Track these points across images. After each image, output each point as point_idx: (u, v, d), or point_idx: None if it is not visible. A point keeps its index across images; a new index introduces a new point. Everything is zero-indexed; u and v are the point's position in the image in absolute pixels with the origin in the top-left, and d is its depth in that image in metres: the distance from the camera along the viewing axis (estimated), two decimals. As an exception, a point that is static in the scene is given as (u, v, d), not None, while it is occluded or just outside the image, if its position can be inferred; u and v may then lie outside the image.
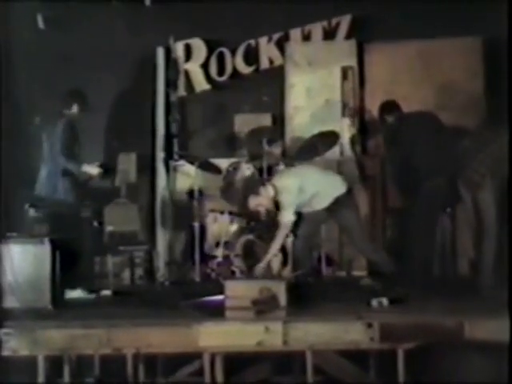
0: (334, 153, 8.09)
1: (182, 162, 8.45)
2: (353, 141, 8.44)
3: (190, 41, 8.87)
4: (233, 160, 8.13)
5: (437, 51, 8.22)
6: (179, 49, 8.86)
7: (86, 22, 8.52)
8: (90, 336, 4.82)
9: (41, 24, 8.56)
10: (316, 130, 7.94)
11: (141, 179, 8.42)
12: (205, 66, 8.90)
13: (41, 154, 7.08)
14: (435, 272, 6.93)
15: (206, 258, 7.70)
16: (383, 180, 8.18)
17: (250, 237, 7.44)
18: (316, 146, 7.73)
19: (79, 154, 7.03)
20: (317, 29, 8.77)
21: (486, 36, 8.15)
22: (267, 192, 6.55)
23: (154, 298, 6.64)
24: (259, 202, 6.61)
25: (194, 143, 8.84)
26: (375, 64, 8.53)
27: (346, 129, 8.40)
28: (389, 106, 7.32)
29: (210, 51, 8.87)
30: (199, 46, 8.89)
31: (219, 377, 4.93)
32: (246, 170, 7.79)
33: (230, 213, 7.72)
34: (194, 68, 8.93)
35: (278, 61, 8.82)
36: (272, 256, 6.59)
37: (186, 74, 8.93)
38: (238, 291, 5.24)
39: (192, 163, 8.04)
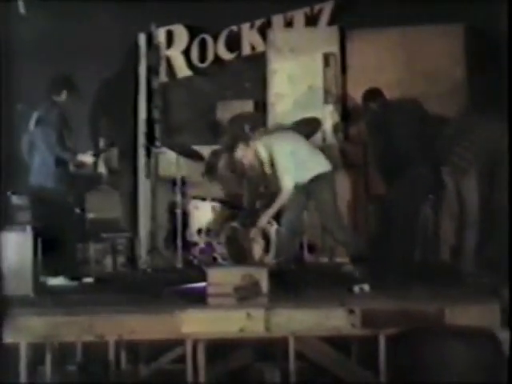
0: (316, 139, 8.07)
1: (163, 148, 8.42)
2: (335, 128, 8.44)
3: (171, 27, 8.84)
4: (214, 147, 8.13)
5: (419, 38, 8.22)
6: (161, 35, 8.82)
7: (67, 8, 8.44)
8: (73, 323, 4.82)
9: (22, 9, 8.48)
10: (298, 117, 7.92)
11: (122, 166, 8.40)
12: (186, 52, 8.88)
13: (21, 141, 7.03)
14: (417, 258, 6.96)
15: (188, 245, 7.70)
16: (366, 167, 8.19)
17: (233, 224, 7.44)
18: (298, 133, 7.73)
19: (73, 143, 6.99)
20: (299, 15, 8.75)
21: (469, 23, 8.16)
22: (256, 146, 6.56)
23: (137, 285, 6.65)
24: (246, 153, 6.60)
25: (176, 130, 8.82)
26: (357, 51, 8.51)
27: (328, 115, 8.40)
28: (372, 94, 7.31)
29: (192, 37, 8.85)
30: (181, 32, 8.86)
31: (201, 363, 4.93)
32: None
33: (213, 200, 7.72)
34: (175, 54, 8.90)
35: (260, 47, 8.81)
36: (268, 218, 6.59)
37: (168, 60, 8.91)
38: (220, 278, 5.23)
39: (174, 150, 8.02)
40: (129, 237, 8.25)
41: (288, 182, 6.40)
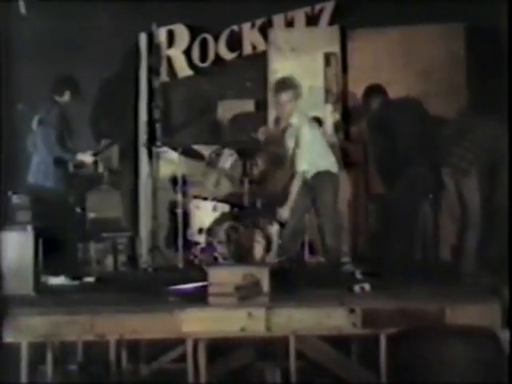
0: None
1: (164, 148, 8.42)
2: (336, 127, 8.45)
3: (172, 27, 8.84)
4: (215, 146, 8.12)
5: (419, 38, 8.23)
6: (162, 35, 8.83)
7: (67, 8, 8.45)
8: (73, 322, 4.82)
9: (22, 9, 8.49)
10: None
11: (123, 166, 8.41)
12: (187, 52, 8.88)
13: (27, 141, 7.03)
14: (417, 258, 6.96)
15: (189, 244, 7.69)
16: (366, 166, 8.20)
17: (233, 223, 7.43)
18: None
19: (73, 143, 6.99)
20: (300, 15, 8.76)
21: (469, 23, 8.17)
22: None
23: (137, 285, 6.65)
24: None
25: (177, 129, 8.82)
26: (358, 50, 8.53)
27: (329, 115, 8.41)
28: (374, 90, 7.28)
29: (193, 37, 8.86)
30: (182, 32, 8.87)
31: (202, 362, 4.94)
32: (229, 156, 7.77)
33: (214, 199, 7.72)
34: (176, 54, 8.91)
35: (260, 47, 8.81)
36: (289, 208, 6.67)
37: (169, 59, 8.91)
38: (221, 277, 5.23)
39: (175, 149, 8.02)
40: (130, 236, 8.25)
41: (300, 167, 6.58)
